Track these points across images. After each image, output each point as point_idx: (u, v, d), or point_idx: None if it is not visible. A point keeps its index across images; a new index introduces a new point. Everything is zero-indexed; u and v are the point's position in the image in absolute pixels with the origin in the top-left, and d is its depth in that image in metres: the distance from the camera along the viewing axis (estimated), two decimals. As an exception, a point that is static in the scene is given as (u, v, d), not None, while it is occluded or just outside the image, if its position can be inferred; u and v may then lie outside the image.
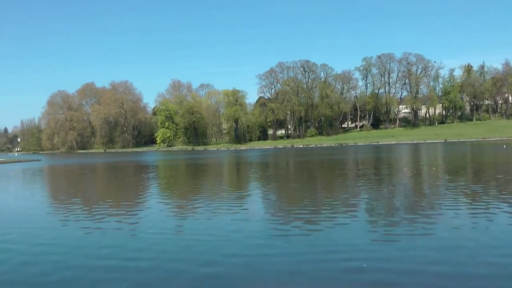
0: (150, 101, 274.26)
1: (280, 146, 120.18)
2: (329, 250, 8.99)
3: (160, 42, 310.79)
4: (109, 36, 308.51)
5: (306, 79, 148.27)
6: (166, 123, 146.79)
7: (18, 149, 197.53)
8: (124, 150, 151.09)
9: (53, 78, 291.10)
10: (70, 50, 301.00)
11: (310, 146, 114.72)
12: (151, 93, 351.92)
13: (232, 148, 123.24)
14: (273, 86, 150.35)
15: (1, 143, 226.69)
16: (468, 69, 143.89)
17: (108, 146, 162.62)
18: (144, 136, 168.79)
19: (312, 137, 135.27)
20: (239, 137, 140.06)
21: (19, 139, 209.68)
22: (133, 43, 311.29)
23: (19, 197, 22.32)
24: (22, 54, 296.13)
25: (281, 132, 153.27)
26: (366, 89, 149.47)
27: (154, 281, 7.43)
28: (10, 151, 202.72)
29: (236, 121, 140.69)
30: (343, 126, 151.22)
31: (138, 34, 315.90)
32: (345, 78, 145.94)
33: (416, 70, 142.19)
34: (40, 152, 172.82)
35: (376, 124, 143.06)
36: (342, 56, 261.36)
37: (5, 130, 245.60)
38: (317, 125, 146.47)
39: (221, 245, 9.58)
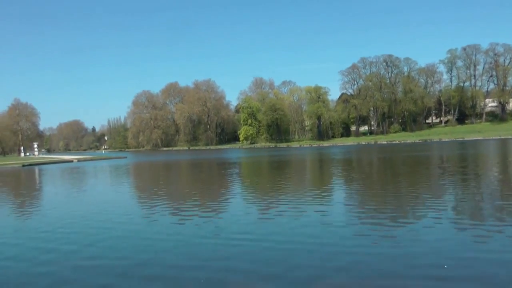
0: (232, 98, 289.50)
1: (363, 143, 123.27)
2: (414, 252, 8.94)
3: (242, 39, 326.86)
4: (192, 36, 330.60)
5: (389, 74, 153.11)
6: (249, 121, 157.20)
7: (105, 147, 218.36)
8: (208, 147, 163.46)
9: (138, 78, 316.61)
10: (154, 51, 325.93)
11: (394, 142, 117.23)
12: (233, 90, 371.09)
13: (314, 145, 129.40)
14: (355, 82, 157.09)
15: (90, 141, 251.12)
16: None
17: (191, 144, 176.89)
18: (227, 134, 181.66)
19: (395, 133, 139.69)
20: (321, 134, 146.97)
21: (106, 138, 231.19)
22: (215, 41, 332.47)
23: (111, 192, 24.68)
24: (108, 56, 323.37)
25: (364, 128, 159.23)
26: (451, 82, 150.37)
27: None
28: (98, 149, 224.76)
29: (318, 118, 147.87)
30: (427, 121, 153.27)
31: (219, 32, 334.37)
32: (429, 71, 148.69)
33: (504, 61, 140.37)
34: (126, 150, 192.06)
35: (461, 119, 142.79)
36: (426, 48, 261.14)
37: (93, 129, 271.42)
38: (400, 121, 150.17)
39: (314, 249, 9.39)
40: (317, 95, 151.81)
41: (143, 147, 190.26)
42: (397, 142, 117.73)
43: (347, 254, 8.83)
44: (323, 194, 18.32)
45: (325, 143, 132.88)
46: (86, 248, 10.31)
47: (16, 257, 9.98)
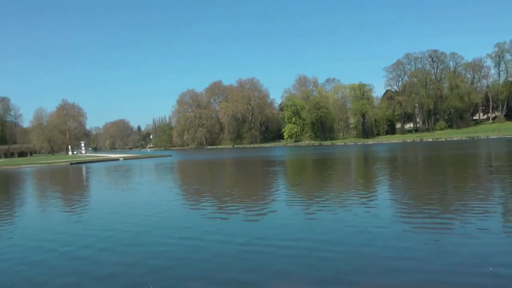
0: (276, 97, 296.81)
1: (409, 140, 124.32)
2: (460, 254, 8.84)
3: (286, 37, 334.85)
4: (236, 35, 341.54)
5: (435, 69, 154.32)
6: (293, 119, 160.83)
7: (151, 146, 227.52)
8: (252, 145, 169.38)
9: (182, 77, 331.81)
10: (198, 50, 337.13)
11: (440, 140, 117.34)
12: (277, 89, 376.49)
13: (359, 143, 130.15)
14: (400, 79, 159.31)
15: (135, 140, 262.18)
16: None
17: (236, 142, 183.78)
18: (271, 132, 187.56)
19: (441, 130, 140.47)
20: (366, 131, 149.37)
21: (151, 136, 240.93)
22: (259, 40, 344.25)
23: (158, 189, 25.37)
24: (152, 56, 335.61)
25: (409, 125, 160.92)
26: (499, 77, 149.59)
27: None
28: (143, 148, 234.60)
29: (363, 115, 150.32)
30: (474, 118, 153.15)
31: (263, 31, 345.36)
32: (476, 66, 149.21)
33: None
34: (171, 148, 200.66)
35: (510, 115, 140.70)
36: (473, 43, 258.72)
37: (139, 128, 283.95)
38: (446, 117, 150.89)
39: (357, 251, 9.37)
40: (362, 92, 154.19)
41: (188, 145, 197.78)
42: (443, 139, 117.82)
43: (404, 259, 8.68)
44: (370, 194, 18.03)
45: (370, 141, 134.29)
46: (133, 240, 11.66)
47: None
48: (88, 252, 10.40)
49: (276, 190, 21.18)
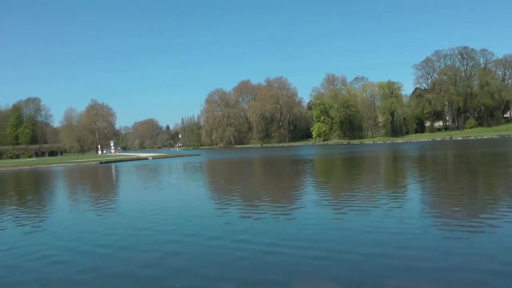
0: (305, 95, 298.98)
1: (438, 139, 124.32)
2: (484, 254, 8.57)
3: (314, 36, 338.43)
4: (264, 35, 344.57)
5: (464, 66, 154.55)
6: (322, 117, 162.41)
7: (179, 145, 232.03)
8: (280, 144, 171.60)
9: (210, 77, 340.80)
10: (226, 49, 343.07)
11: (470, 138, 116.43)
12: (305, 87, 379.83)
13: (388, 142, 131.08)
14: (429, 76, 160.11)
15: (164, 139, 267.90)
16: None
17: (264, 141, 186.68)
18: (299, 131, 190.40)
19: (471, 129, 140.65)
20: (395, 130, 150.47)
21: (180, 136, 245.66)
22: (287, 39, 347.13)
23: (187, 188, 25.55)
24: (180, 55, 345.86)
25: (439, 124, 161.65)
26: None
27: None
28: (172, 147, 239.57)
29: (392, 113, 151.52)
30: (505, 116, 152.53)
31: (291, 30, 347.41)
32: (507, 63, 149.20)
33: None
34: (200, 147, 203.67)
35: None
36: (503, 38, 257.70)
37: (167, 127, 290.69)
38: (476, 115, 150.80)
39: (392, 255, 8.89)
40: (390, 90, 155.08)
41: (216, 144, 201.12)
42: (473, 138, 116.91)
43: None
44: (401, 195, 17.48)
45: (399, 140, 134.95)
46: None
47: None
48: (108, 251, 10.50)
49: (305, 189, 21.04)
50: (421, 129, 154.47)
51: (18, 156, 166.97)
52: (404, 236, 10.42)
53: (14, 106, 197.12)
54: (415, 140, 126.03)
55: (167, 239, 11.36)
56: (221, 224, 12.97)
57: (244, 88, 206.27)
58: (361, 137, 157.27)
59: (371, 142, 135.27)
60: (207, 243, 10.68)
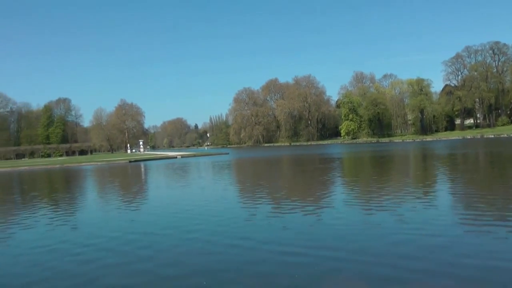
0: (333, 93, 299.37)
1: (469, 137, 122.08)
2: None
3: (341, 33, 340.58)
4: (291, 32, 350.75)
5: (496, 62, 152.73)
6: (350, 116, 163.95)
7: (208, 144, 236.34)
8: (309, 143, 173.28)
9: (238, 75, 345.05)
10: (254, 48, 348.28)
11: (502, 136, 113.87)
12: (334, 85, 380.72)
13: (417, 140, 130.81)
14: (459, 72, 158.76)
15: (192, 138, 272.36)
16: None
17: (293, 140, 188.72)
18: (328, 129, 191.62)
19: (503, 126, 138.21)
20: (424, 127, 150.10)
21: (208, 134, 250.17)
22: (315, 37, 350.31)
23: (215, 186, 25.84)
24: (208, 55, 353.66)
25: (469, 121, 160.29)
26: None
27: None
28: (201, 146, 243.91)
29: (421, 111, 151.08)
30: None
31: (318, 28, 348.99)
32: None
33: None
34: (228, 146, 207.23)
35: None
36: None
37: (196, 126, 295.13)
38: (509, 112, 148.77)
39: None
40: (419, 87, 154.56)
41: (245, 143, 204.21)
42: (505, 135, 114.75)
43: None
44: (433, 195, 16.95)
45: (429, 138, 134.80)
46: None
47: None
48: (127, 248, 10.63)
49: (335, 189, 20.85)
50: (451, 127, 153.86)
51: (49, 155, 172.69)
52: (437, 239, 9.95)
53: (45, 106, 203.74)
54: (445, 138, 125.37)
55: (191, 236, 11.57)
56: (247, 225, 12.80)
57: (272, 86, 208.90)
58: (390, 135, 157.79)
59: (400, 141, 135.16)
60: (234, 241, 10.70)
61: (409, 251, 9.04)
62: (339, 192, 19.29)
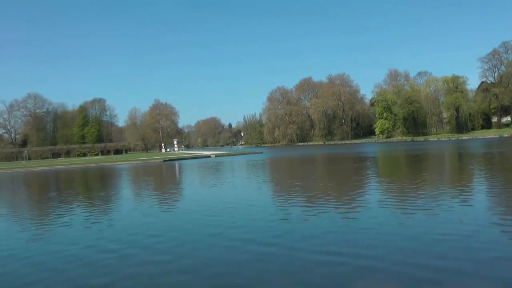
0: (367, 92, 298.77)
1: (506, 135, 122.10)
2: None
3: (375, 31, 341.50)
4: (325, 31, 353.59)
5: None
6: (384, 114, 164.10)
7: (242, 143, 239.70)
8: (343, 142, 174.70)
9: (272, 75, 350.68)
10: (286, 47, 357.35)
11: None
12: (367, 84, 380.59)
13: (453, 138, 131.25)
14: (496, 69, 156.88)
15: (226, 137, 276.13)
16: None
17: (327, 138, 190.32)
18: (362, 128, 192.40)
19: None
20: (460, 126, 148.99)
21: (242, 134, 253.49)
22: (348, 35, 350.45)
23: (251, 185, 25.99)
24: (241, 54, 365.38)
25: (507, 119, 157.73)
26: None
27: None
28: (234, 145, 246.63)
29: (456, 109, 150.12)
30: None
31: (351, 26, 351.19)
32: None
33: None
34: (262, 145, 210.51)
35: None
36: None
37: (229, 125, 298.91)
38: None
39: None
40: (455, 85, 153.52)
41: (279, 142, 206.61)
42: None
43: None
44: (469, 195, 16.73)
45: (464, 136, 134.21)
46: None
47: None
48: (164, 246, 10.96)
49: (369, 188, 20.66)
50: (487, 125, 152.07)
51: (84, 154, 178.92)
52: (473, 240, 9.91)
53: (80, 107, 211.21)
54: (481, 137, 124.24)
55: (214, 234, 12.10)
56: (281, 226, 12.60)
57: (306, 85, 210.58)
58: (425, 134, 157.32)
59: (435, 139, 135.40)
60: (269, 240, 10.88)
61: (445, 252, 9.03)
62: (373, 192, 19.18)
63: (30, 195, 29.67)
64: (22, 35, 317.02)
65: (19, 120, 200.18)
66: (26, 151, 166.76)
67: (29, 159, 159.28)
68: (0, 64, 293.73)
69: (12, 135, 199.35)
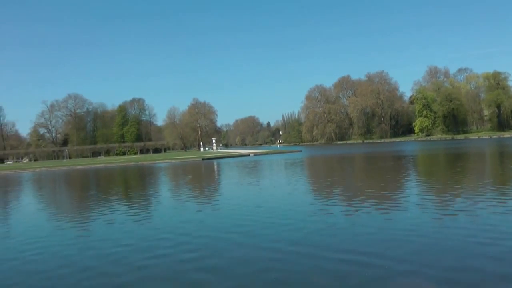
0: (406, 89, 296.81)
1: None
2: None
3: (413, 28, 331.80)
4: (363, 29, 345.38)
5: None
6: (424, 112, 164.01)
7: (280, 141, 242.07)
8: (382, 140, 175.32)
9: (310, 73, 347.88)
10: (324, 46, 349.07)
11: None
12: (407, 81, 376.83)
13: (494, 136, 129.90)
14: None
15: (265, 136, 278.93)
16: None
17: (365, 137, 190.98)
18: (401, 126, 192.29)
19: None
20: (502, 123, 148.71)
21: (280, 132, 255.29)
22: (386, 33, 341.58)
23: (289, 184, 25.42)
24: (279, 52, 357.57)
25: None
26: None
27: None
28: (273, 143, 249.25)
29: (498, 106, 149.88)
30: None
31: (389, 24, 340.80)
32: None
33: None
34: (300, 143, 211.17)
35: None
36: None
37: (268, 124, 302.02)
38: None
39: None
40: (496, 81, 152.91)
41: (317, 140, 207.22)
42: None
43: None
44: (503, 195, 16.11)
45: (506, 134, 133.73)
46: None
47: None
48: (202, 241, 11.18)
49: (409, 188, 20.14)
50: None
51: (124, 153, 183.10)
52: None
53: (120, 106, 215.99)
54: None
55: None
56: (318, 228, 12.08)
57: (344, 83, 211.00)
58: (465, 132, 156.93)
59: (476, 137, 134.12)
60: (288, 247, 10.24)
61: (493, 254, 8.64)
62: (413, 192, 18.52)
63: (76, 193, 30.29)
64: (62, 37, 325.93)
65: (60, 120, 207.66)
66: (66, 150, 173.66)
67: (70, 157, 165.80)
68: (42, 65, 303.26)
69: (53, 134, 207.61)
